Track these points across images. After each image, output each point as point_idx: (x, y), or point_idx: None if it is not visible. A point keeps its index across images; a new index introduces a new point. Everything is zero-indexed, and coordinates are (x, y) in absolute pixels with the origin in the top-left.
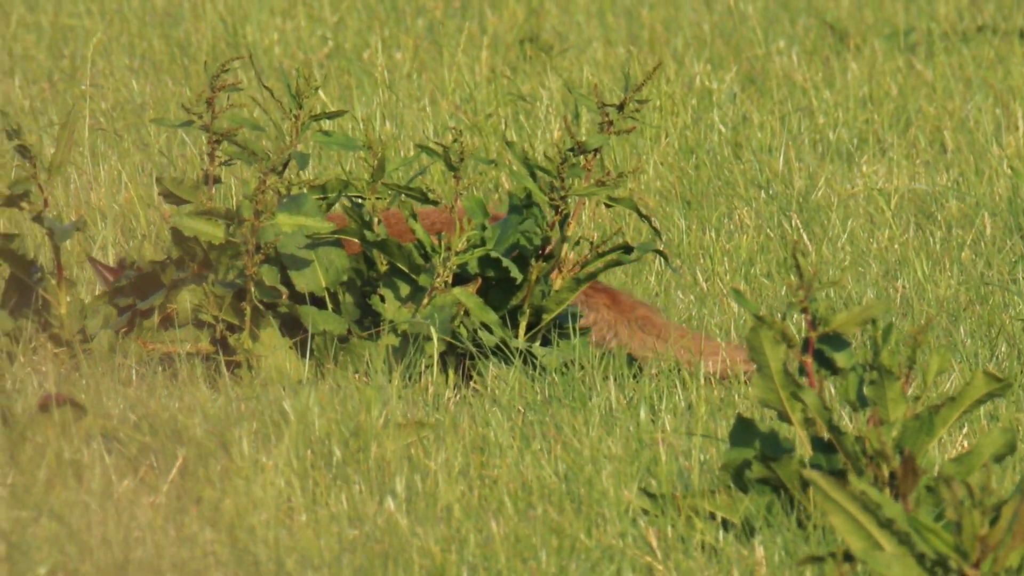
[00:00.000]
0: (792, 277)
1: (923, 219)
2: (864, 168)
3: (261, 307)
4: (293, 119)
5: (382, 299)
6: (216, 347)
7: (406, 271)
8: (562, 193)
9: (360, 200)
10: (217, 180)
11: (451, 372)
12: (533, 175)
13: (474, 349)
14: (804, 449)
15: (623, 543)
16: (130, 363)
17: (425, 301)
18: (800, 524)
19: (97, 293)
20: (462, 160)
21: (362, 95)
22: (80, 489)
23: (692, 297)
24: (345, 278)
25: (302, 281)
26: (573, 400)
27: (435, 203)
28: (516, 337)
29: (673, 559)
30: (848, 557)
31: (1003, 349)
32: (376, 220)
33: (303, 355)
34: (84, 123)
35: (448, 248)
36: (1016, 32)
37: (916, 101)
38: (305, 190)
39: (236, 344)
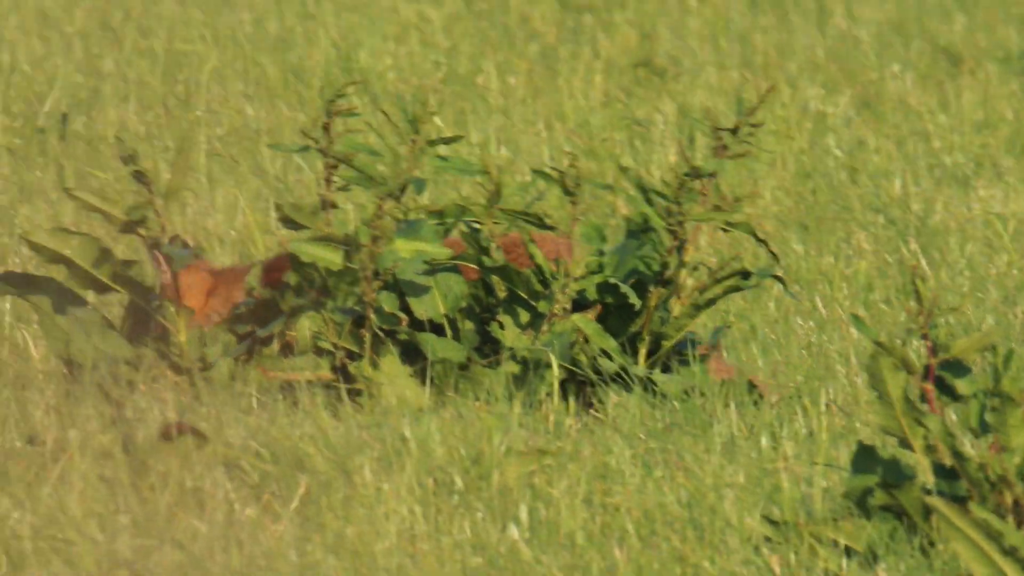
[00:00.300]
0: (911, 303)
1: None
2: (980, 192)
3: (381, 334)
4: (410, 144)
5: (501, 326)
6: (336, 375)
7: (525, 297)
8: (679, 218)
9: (477, 226)
10: (334, 205)
11: (571, 399)
12: (649, 200)
13: (594, 376)
14: (926, 476)
15: (746, 571)
16: (250, 391)
17: (544, 328)
18: (923, 551)
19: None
20: (578, 185)
21: (476, 120)
22: (203, 517)
23: (812, 323)
24: (464, 304)
25: (421, 308)
26: (694, 427)
27: (552, 228)
28: (635, 364)
29: None
30: None
31: None
32: (494, 246)
33: (423, 382)
34: (200, 149)
35: (567, 274)
36: None
37: None
38: (423, 216)
39: (356, 372)
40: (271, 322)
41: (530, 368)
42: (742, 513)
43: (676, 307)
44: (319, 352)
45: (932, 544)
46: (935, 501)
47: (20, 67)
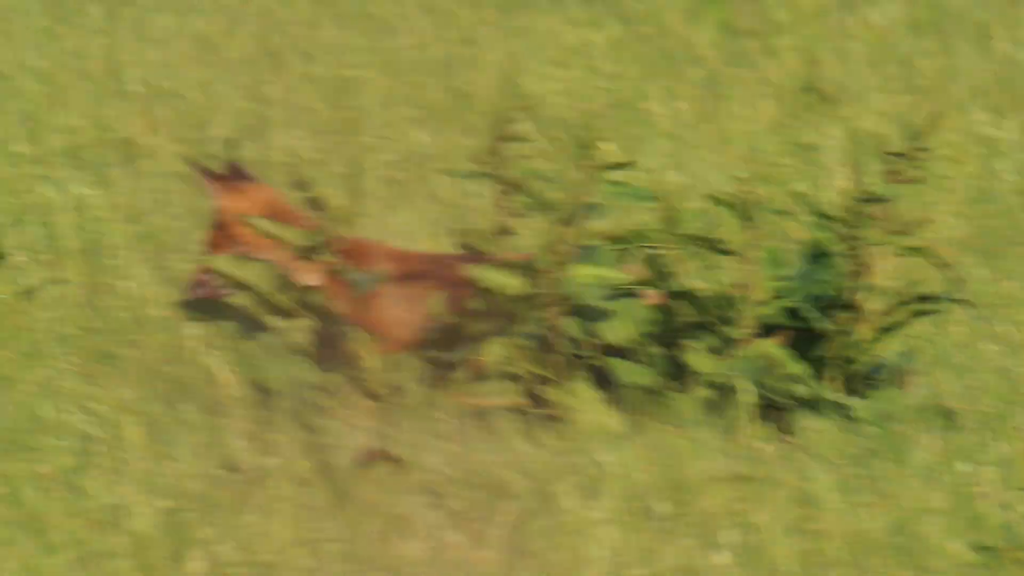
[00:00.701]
0: None
1: None
2: None
3: (570, 360)
4: (583, 170)
5: (690, 351)
6: (528, 400)
7: (709, 322)
8: (857, 243)
9: (657, 251)
10: (510, 231)
11: (765, 424)
12: (825, 225)
13: (786, 401)
14: None
15: None
16: (445, 417)
17: (733, 353)
18: None
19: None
20: (755, 211)
21: (644, 146)
22: (409, 544)
23: (1001, 347)
24: (650, 329)
25: (609, 333)
26: (891, 453)
27: (728, 253)
28: (824, 389)
29: None
30: None
31: None
32: (675, 271)
33: (616, 408)
34: (371, 175)
35: (751, 299)
36: None
37: None
38: (600, 242)
39: (548, 397)
40: (460, 348)
41: (721, 394)
42: (946, 539)
43: (861, 332)
44: (510, 378)
45: None
46: None
47: (187, 93)
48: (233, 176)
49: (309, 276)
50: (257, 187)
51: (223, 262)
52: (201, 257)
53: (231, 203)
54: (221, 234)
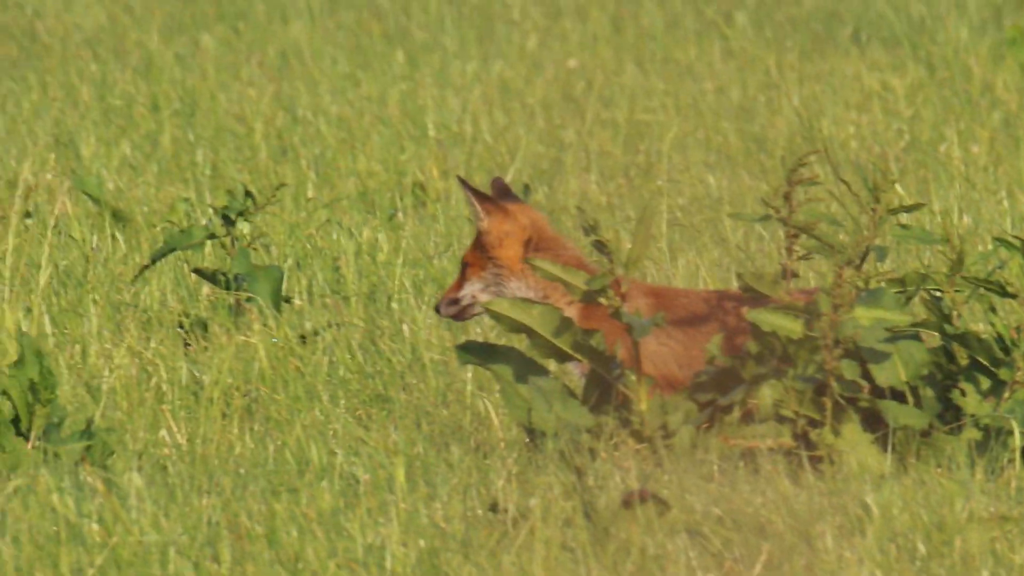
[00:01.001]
0: None
1: None
2: None
3: (842, 401)
4: (871, 212)
5: (963, 393)
6: (797, 442)
7: (986, 364)
8: None
9: (939, 294)
10: (795, 274)
11: None
12: None
13: None
14: None
15: None
16: (711, 458)
17: (1006, 395)
18: None
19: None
20: None
21: (938, 188)
22: None
23: None
24: (925, 372)
25: (882, 375)
26: None
27: (1014, 296)
28: None
29: None
30: None
31: None
32: (956, 314)
33: (884, 449)
34: (661, 218)
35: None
36: None
37: None
38: (883, 284)
39: (817, 439)
40: (732, 390)
41: (992, 435)
42: None
43: None
44: (780, 419)
45: None
46: None
47: (483, 137)
48: (499, 196)
49: (585, 318)
50: (522, 208)
51: (502, 305)
52: (459, 277)
53: (496, 224)
54: (482, 255)
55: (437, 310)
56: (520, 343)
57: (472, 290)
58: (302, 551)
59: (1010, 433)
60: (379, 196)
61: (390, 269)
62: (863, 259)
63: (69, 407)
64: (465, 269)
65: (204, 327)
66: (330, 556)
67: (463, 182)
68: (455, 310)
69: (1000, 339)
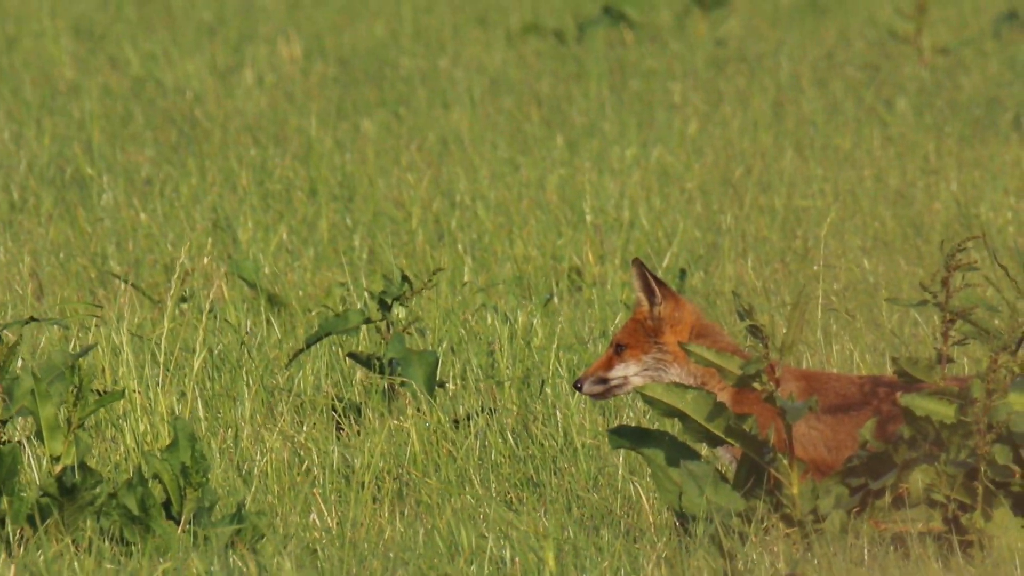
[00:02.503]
0: None
1: None
2: None
3: (992, 487)
4: None
5: None
6: (948, 526)
7: None
8: None
9: None
10: (951, 359)
11: None
12: None
13: None
14: None
15: None
16: (862, 543)
17: None
18: None
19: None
20: None
21: None
22: None
23: None
24: None
25: None
26: None
27: None
28: None
29: None
30: None
31: None
32: None
33: None
34: (816, 303)
35: None
36: None
37: None
38: None
39: (968, 523)
40: (884, 474)
41: None
42: None
43: None
44: (931, 504)
45: None
46: None
47: (640, 222)
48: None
49: (737, 403)
50: (687, 301)
51: (656, 390)
52: (617, 357)
53: (669, 310)
54: (646, 339)
55: (578, 387)
56: (672, 428)
57: (627, 372)
58: None
59: None
60: (535, 280)
61: (544, 354)
62: (1019, 345)
63: (220, 491)
64: (622, 351)
65: (357, 411)
66: None
67: (642, 265)
68: (601, 389)
69: None
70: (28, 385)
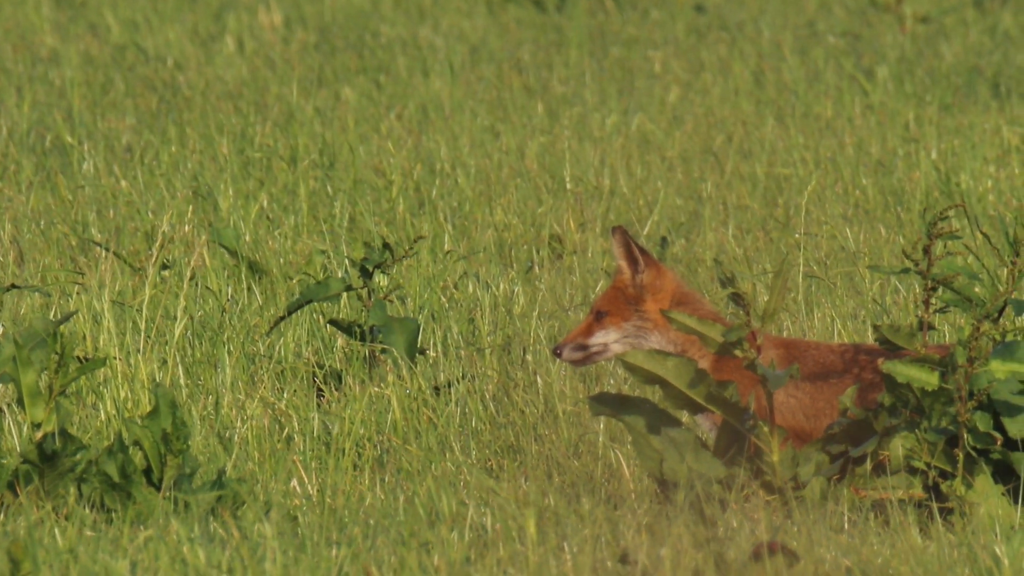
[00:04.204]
0: None
1: None
2: None
3: (974, 454)
4: (1010, 266)
5: None
6: (928, 493)
7: None
8: None
9: None
10: (932, 327)
11: None
12: None
13: None
14: None
15: None
16: (842, 510)
17: None
18: None
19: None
20: None
21: None
22: None
23: None
24: None
25: (1015, 427)
26: None
27: None
28: None
29: None
30: None
31: None
32: None
33: (1015, 501)
34: (797, 271)
35: None
36: None
37: None
38: (1020, 337)
39: (948, 491)
40: (865, 442)
41: None
42: None
43: None
44: (911, 471)
45: None
46: None
47: (621, 190)
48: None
49: (718, 370)
50: (668, 268)
51: (638, 357)
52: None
53: (652, 278)
54: (627, 306)
55: (558, 353)
56: (653, 395)
57: (607, 339)
58: None
59: None
60: (516, 248)
61: (525, 321)
62: (1000, 312)
63: (201, 458)
64: (602, 318)
65: (338, 378)
66: None
67: (625, 233)
68: (581, 355)
69: None
70: (9, 352)
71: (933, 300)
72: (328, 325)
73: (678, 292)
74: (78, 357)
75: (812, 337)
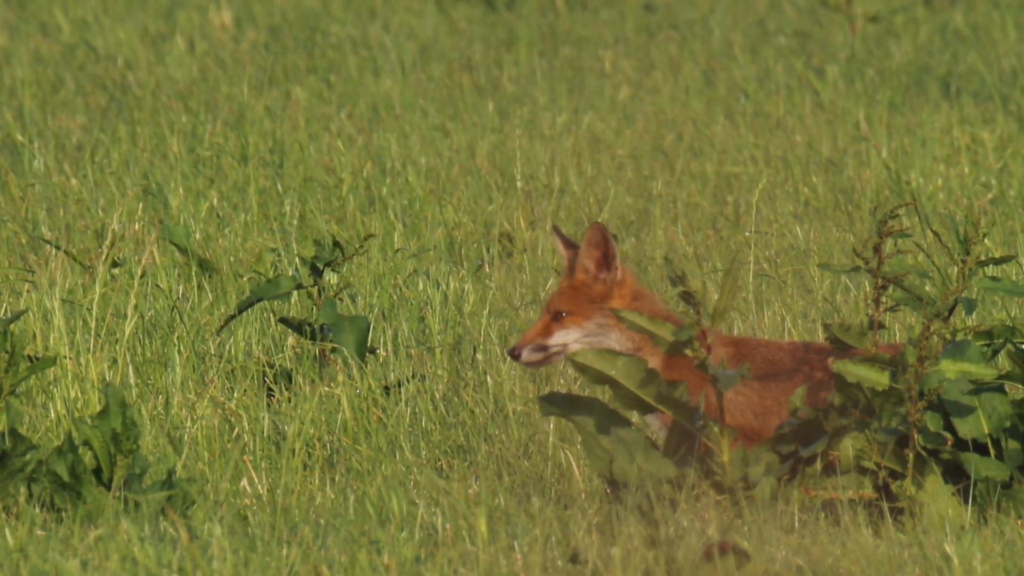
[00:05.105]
0: None
1: None
2: None
3: (924, 454)
4: (960, 265)
5: None
6: (878, 493)
7: None
8: None
9: None
10: (882, 326)
11: None
12: None
13: None
14: None
15: None
16: (792, 510)
17: None
18: None
19: None
20: None
21: None
22: None
23: None
24: (1008, 424)
25: (965, 427)
26: None
27: None
28: None
29: None
30: None
31: None
32: None
33: (965, 501)
34: (748, 269)
35: None
36: None
37: None
38: (970, 336)
39: (899, 491)
40: (814, 442)
41: None
42: None
43: None
44: (862, 471)
45: None
46: None
47: (571, 188)
48: (567, 246)
49: (669, 369)
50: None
51: (587, 356)
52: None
53: (622, 275)
54: (590, 305)
55: (515, 355)
56: (603, 395)
57: (567, 339)
58: None
59: None
60: (466, 247)
61: (476, 320)
62: (951, 311)
63: (151, 457)
64: (561, 317)
65: (289, 378)
66: None
67: (604, 229)
68: (540, 356)
69: None
70: None
71: (883, 299)
72: (278, 324)
73: (635, 289)
74: (28, 356)
75: (762, 336)
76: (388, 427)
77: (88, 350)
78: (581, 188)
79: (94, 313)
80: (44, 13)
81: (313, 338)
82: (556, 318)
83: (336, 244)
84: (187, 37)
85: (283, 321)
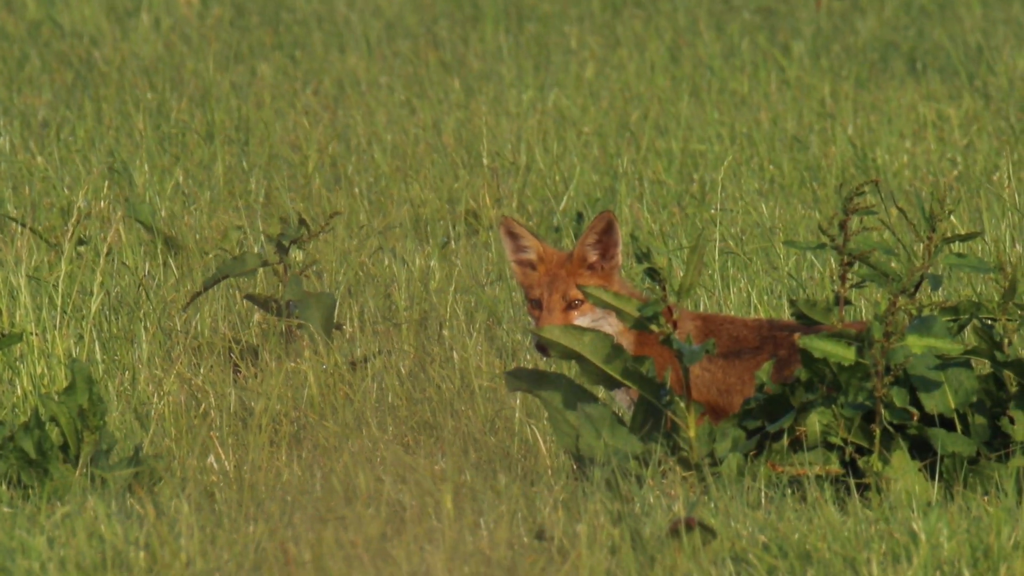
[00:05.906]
0: None
1: None
2: None
3: (891, 429)
4: (926, 241)
5: (1012, 420)
6: (845, 469)
7: None
8: None
9: (991, 321)
10: (848, 302)
11: None
12: None
13: None
14: None
15: None
16: (759, 486)
17: None
18: None
19: None
20: None
21: (991, 217)
22: None
23: None
24: (975, 399)
25: (931, 402)
26: None
27: None
28: None
29: None
30: None
31: None
32: (1007, 341)
33: (931, 477)
34: (713, 246)
35: None
36: None
37: None
38: (936, 312)
39: (865, 466)
40: (781, 417)
41: None
42: None
43: None
44: (828, 447)
45: None
46: None
47: (536, 166)
48: (512, 237)
49: (640, 344)
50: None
51: (554, 332)
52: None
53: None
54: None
55: (545, 352)
56: (569, 370)
57: (583, 325)
58: None
59: None
60: (432, 224)
61: (442, 296)
62: (917, 287)
63: (118, 434)
64: (579, 305)
65: (255, 354)
66: None
67: (613, 219)
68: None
69: None
70: None
71: (849, 275)
72: (244, 300)
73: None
74: None
75: (728, 312)
76: (355, 403)
77: (54, 326)
78: (547, 165)
79: (60, 290)
80: None
81: (279, 314)
82: (573, 306)
83: (302, 221)
84: (153, 14)
85: (249, 298)
